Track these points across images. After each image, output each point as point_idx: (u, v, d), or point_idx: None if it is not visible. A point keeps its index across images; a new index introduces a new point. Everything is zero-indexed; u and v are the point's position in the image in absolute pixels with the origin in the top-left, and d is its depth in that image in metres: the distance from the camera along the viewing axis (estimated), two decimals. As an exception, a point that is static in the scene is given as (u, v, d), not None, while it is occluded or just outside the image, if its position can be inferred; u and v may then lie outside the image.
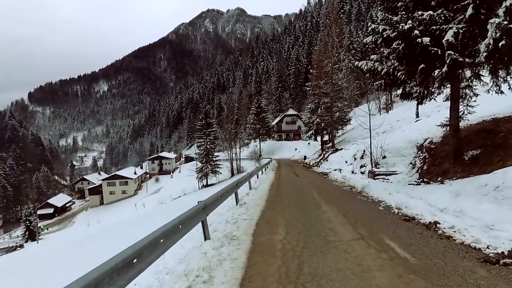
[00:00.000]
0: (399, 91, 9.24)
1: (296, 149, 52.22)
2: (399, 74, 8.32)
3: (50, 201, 66.85)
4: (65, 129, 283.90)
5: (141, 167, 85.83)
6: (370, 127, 13.12)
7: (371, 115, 14.34)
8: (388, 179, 10.44)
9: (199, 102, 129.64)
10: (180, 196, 41.12)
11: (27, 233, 41.22)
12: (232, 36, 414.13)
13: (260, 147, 57.07)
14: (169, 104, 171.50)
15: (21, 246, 36.49)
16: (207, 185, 43.15)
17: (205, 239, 5.53)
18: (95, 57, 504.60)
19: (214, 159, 44.12)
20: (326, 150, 29.65)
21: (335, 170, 17.23)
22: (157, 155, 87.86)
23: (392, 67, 8.52)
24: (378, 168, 11.95)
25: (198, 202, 5.56)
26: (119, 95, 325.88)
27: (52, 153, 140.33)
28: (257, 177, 17.04)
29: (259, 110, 62.26)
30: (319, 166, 22.82)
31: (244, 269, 4.10)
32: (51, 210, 64.00)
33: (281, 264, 4.15)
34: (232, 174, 43.52)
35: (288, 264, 4.15)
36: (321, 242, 4.96)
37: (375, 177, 11.12)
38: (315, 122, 31.61)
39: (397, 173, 10.62)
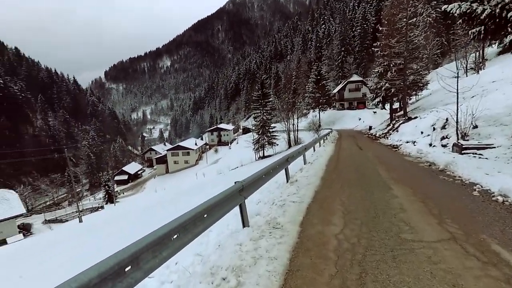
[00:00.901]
0: (507, 39, 6.79)
1: (360, 119, 48.68)
2: (510, 14, 6.02)
3: (125, 168, 74.59)
4: (135, 103, 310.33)
5: (201, 139, 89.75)
6: (457, 89, 10.51)
7: (455, 76, 11.58)
8: (481, 155, 8.27)
9: (256, 72, 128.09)
10: (237, 167, 41.71)
11: (106, 196, 46.67)
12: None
13: (319, 117, 54.40)
14: (227, 76, 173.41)
15: (102, 207, 41.51)
16: (263, 157, 43.00)
17: (243, 226, 4.67)
18: (159, 34, 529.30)
19: (270, 130, 43.44)
20: (396, 119, 26.29)
21: (407, 142, 14.90)
22: (215, 126, 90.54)
23: (499, 5, 6.22)
24: (467, 140, 9.64)
25: (235, 182, 4.65)
26: (181, 69, 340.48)
27: (125, 126, 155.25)
28: (314, 150, 15.54)
29: (319, 77, 58.28)
30: (387, 138, 20.29)
31: (284, 276, 3.12)
32: (125, 177, 71.52)
33: (335, 274, 3.06)
34: (289, 146, 42.46)
35: (344, 274, 3.05)
36: (392, 242, 3.69)
37: (463, 152, 8.96)
38: (383, 88, 27.92)
39: (494, 147, 8.31)
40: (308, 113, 62.78)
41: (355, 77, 65.07)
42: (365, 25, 76.10)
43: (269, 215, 5.15)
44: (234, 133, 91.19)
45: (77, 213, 36.44)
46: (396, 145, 15.34)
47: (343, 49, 75.88)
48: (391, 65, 26.27)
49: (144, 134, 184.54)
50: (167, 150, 70.80)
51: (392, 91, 27.26)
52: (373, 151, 14.34)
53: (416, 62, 26.10)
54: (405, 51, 24.14)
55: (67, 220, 35.75)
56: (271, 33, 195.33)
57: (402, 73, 25.35)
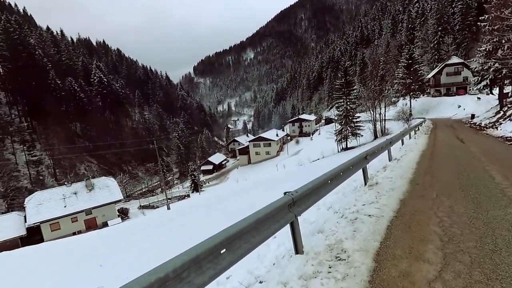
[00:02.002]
0: None
1: (459, 106, 41.74)
2: None
3: (210, 159, 79.88)
4: (221, 96, 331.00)
5: (283, 130, 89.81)
6: None
7: None
8: None
9: (340, 60, 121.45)
10: (318, 159, 40.69)
11: (192, 185, 50.59)
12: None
13: (410, 105, 48.47)
14: (309, 66, 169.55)
15: (188, 196, 45.14)
16: (346, 148, 40.84)
17: (296, 252, 3.53)
18: (243, 27, 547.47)
19: (354, 120, 40.63)
20: (509, 105, 20.97)
21: None
22: (297, 117, 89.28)
23: None
24: None
25: (284, 193, 3.59)
26: (264, 61, 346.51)
27: (211, 118, 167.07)
28: (402, 144, 13.14)
29: (410, 61, 51.48)
30: (496, 128, 16.22)
31: None
32: (210, 167, 76.50)
33: None
34: (375, 137, 39.42)
35: None
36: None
37: None
38: (491, 69, 22.74)
39: None
40: (398, 101, 56.61)
41: (454, 59, 56.06)
42: (468, 0, 64.22)
43: (334, 235, 3.97)
44: (316, 124, 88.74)
45: (166, 201, 40.56)
46: (510, 137, 11.79)
47: (440, 28, 66.22)
48: (503, 41, 21.00)
49: (229, 126, 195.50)
50: (249, 142, 72.81)
51: (503, 73, 21.96)
52: (479, 145, 11.61)
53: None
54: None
55: (158, 207, 39.89)
56: (357, 18, 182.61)
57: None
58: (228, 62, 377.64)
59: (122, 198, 38.86)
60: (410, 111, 45.76)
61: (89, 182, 35.47)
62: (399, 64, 56.19)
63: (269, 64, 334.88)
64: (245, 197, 18.98)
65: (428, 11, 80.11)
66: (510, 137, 12.07)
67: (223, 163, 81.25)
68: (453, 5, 68.78)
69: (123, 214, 37.27)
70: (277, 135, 72.35)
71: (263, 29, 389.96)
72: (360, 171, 6.50)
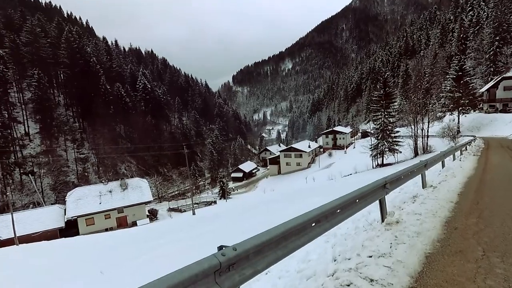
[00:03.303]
0: None
1: None
2: None
3: (241, 166, 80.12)
4: (257, 105, 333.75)
5: (316, 141, 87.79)
6: None
7: None
8: None
9: (381, 71, 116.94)
10: (350, 174, 39.03)
11: (220, 192, 50.84)
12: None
13: (458, 121, 44.69)
14: (348, 76, 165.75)
15: (215, 202, 45.38)
16: (382, 165, 38.62)
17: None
18: (282, 38, 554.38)
19: (392, 135, 38.28)
20: None
21: None
22: (331, 129, 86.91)
23: None
24: None
25: (219, 248, 2.35)
26: (302, 71, 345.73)
27: (246, 126, 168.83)
28: (442, 166, 11.25)
29: (460, 73, 47.47)
30: None
31: None
32: (240, 174, 76.61)
33: None
34: (415, 154, 36.82)
35: None
36: None
37: None
38: None
39: None
40: (444, 116, 52.52)
41: None
42: None
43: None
44: (351, 137, 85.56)
45: (194, 205, 41.15)
46: None
47: (497, 38, 59.94)
48: None
49: (263, 135, 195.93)
50: (280, 151, 71.95)
51: None
52: None
53: None
54: None
55: (185, 211, 40.54)
56: (402, 28, 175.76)
57: None
58: (266, 72, 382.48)
59: (152, 199, 40.05)
60: (458, 127, 42.29)
61: (123, 182, 37.12)
62: (447, 76, 52.31)
63: (307, 74, 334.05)
64: (260, 213, 18.38)
65: (484, 19, 74.16)
66: None
67: (253, 171, 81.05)
68: None
69: (152, 215, 38.30)
70: (309, 146, 70.69)
71: (303, 39, 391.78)
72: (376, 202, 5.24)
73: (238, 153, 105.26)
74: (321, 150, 78.66)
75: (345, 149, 70.68)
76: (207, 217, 25.43)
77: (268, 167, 76.29)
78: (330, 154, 70.01)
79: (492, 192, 7.09)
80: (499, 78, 51.31)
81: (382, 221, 5.17)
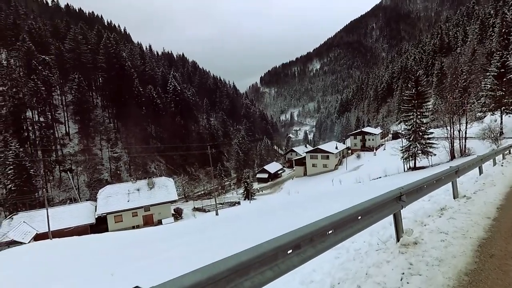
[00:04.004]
0: None
1: None
2: None
3: (266, 167, 79.62)
4: (285, 106, 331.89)
5: (344, 142, 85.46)
6: None
7: None
8: None
9: (416, 70, 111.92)
10: (380, 177, 37.68)
11: (245, 192, 50.80)
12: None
13: (501, 121, 41.40)
14: (378, 76, 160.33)
15: (238, 203, 45.37)
16: (414, 168, 36.77)
17: None
18: (310, 38, 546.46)
19: (425, 136, 36.38)
20: None
21: None
22: (359, 130, 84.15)
23: None
24: None
25: None
26: (330, 71, 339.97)
27: (272, 127, 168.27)
28: (480, 172, 9.98)
29: (503, 70, 44.13)
30: None
31: None
32: (265, 175, 76.11)
33: None
34: (452, 157, 34.43)
35: None
36: None
37: None
38: None
39: None
40: (484, 116, 48.95)
41: None
42: None
43: None
44: (381, 138, 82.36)
45: (219, 205, 41.44)
46: None
47: None
48: None
49: (290, 135, 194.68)
50: (306, 153, 70.71)
51: None
52: None
53: None
54: None
55: (209, 211, 40.80)
56: (437, 25, 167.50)
57: None
58: (293, 72, 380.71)
59: (177, 198, 40.84)
60: (501, 128, 39.13)
61: (150, 181, 38.18)
62: (488, 74, 48.86)
63: (335, 74, 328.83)
64: (278, 217, 17.90)
65: None
66: None
67: (278, 172, 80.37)
68: None
69: (178, 214, 39.01)
70: (336, 147, 68.86)
71: (331, 40, 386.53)
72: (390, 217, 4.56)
73: (264, 153, 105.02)
74: (349, 151, 76.46)
75: (374, 151, 68.08)
76: (227, 219, 25.54)
77: (293, 168, 75.31)
78: (358, 156, 67.79)
79: None
80: None
81: (398, 240, 4.48)
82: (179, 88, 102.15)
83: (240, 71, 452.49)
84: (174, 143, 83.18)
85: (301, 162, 70.07)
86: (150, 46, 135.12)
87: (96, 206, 34.51)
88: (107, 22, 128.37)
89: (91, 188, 54.20)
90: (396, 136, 67.18)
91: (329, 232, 3.14)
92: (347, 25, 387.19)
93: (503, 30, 73.95)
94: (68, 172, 55.35)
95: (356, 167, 56.48)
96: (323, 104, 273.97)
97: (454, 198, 6.96)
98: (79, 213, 33.50)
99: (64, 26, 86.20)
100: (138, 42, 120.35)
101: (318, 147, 71.89)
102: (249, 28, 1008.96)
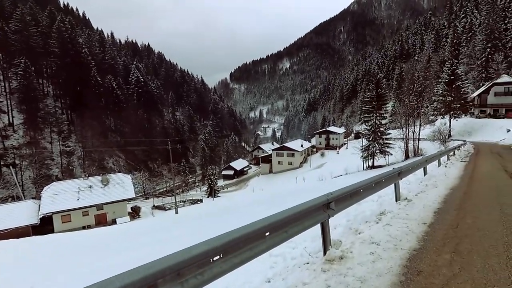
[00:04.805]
0: None
1: (509, 131, 37.55)
2: None
3: (232, 164, 78.72)
4: (254, 103, 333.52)
5: (309, 141, 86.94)
6: None
7: None
8: None
9: (377, 73, 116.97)
10: (341, 175, 38.56)
11: (208, 190, 49.61)
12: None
13: (450, 125, 44.55)
14: (344, 78, 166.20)
15: (201, 201, 44.08)
16: (372, 167, 38.15)
17: None
18: (281, 37, 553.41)
19: (383, 137, 37.94)
20: None
21: None
22: (324, 129, 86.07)
23: None
24: None
25: None
26: (299, 71, 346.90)
27: (241, 123, 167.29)
28: (425, 173, 10.14)
29: (452, 77, 47.84)
30: None
31: None
32: (231, 172, 75.19)
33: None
34: (407, 157, 36.24)
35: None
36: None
37: None
38: None
39: None
40: (436, 119, 52.62)
41: (505, 78, 50.98)
42: None
43: None
44: (344, 137, 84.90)
45: (180, 203, 40.03)
46: None
47: (489, 45, 61.31)
48: None
49: (259, 133, 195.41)
50: (272, 150, 70.84)
51: None
52: None
53: None
54: None
55: (169, 209, 39.09)
56: (398, 32, 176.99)
57: None
58: (264, 70, 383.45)
59: (134, 196, 38.62)
60: (449, 131, 41.97)
61: (104, 177, 35.52)
62: (440, 80, 52.79)
63: (304, 74, 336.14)
64: (237, 217, 17.31)
65: (476, 26, 75.22)
66: None
67: (244, 169, 79.84)
68: (506, 21, 64.13)
69: (135, 212, 36.78)
70: (302, 145, 69.69)
71: (301, 40, 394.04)
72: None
73: (231, 150, 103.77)
74: (314, 149, 77.80)
75: (337, 150, 69.93)
76: (186, 218, 24.48)
77: (260, 165, 75.20)
78: (322, 154, 69.21)
79: (476, 210, 5.82)
80: (490, 84, 51.93)
81: (324, 253, 3.88)
82: (142, 79, 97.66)
83: (209, 66, 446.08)
84: (136, 138, 79.24)
85: (267, 159, 70.12)
86: (112, 34, 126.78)
87: (39, 205, 31.45)
88: (63, 4, 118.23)
89: (37, 185, 49.42)
90: (358, 136, 69.56)
91: (215, 258, 2.43)
92: (316, 27, 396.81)
93: (454, 41, 79.94)
94: (11, 167, 50.07)
95: (320, 165, 57.52)
96: (292, 103, 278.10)
97: (396, 200, 6.66)
98: (20, 213, 30.18)
99: (9, 5, 77.15)
100: (98, 29, 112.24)
101: (284, 144, 72.38)
102: (220, 24, 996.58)
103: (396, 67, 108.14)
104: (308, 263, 3.93)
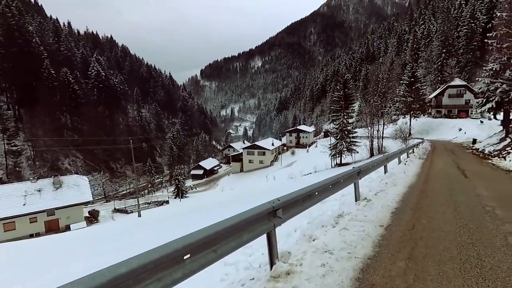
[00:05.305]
0: None
1: (460, 129, 40.51)
2: None
3: (201, 163, 76.79)
4: (225, 101, 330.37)
5: (280, 139, 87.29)
6: None
7: None
8: None
9: (344, 74, 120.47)
10: (310, 173, 38.72)
11: (176, 190, 47.72)
12: (389, 1, 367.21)
13: (410, 124, 46.77)
14: (314, 78, 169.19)
15: (167, 202, 42.14)
16: (340, 164, 38.87)
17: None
18: (253, 36, 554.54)
19: (350, 135, 39.00)
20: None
21: None
22: (295, 128, 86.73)
23: None
24: None
25: None
26: (271, 70, 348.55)
27: (212, 122, 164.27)
28: (385, 171, 9.93)
29: (412, 79, 50.73)
30: (503, 158, 13.55)
31: None
32: (201, 172, 73.33)
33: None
34: (371, 154, 37.76)
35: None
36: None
37: None
38: (498, 90, 20.52)
39: None
40: (398, 119, 55.19)
41: (457, 81, 55.55)
42: (473, 25, 65.04)
43: None
44: (314, 136, 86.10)
45: (144, 205, 37.80)
46: None
47: (444, 50, 66.38)
48: None
49: (230, 131, 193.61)
50: (243, 149, 70.01)
51: (511, 96, 19.61)
52: (488, 184, 8.25)
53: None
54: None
55: (131, 212, 36.75)
56: (365, 35, 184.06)
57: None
58: (235, 68, 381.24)
59: (92, 199, 35.79)
60: (410, 130, 43.92)
61: (57, 179, 32.15)
62: (401, 82, 55.83)
63: (276, 73, 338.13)
64: (201, 219, 16.43)
65: (433, 32, 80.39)
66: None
67: (215, 168, 78.41)
68: (458, 29, 69.12)
69: (93, 217, 33.96)
70: (272, 144, 69.69)
71: (273, 39, 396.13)
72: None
73: (201, 149, 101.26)
74: (285, 148, 78.12)
75: (307, 148, 70.66)
76: (149, 221, 23.14)
77: (230, 164, 74.17)
78: (293, 153, 69.58)
79: (431, 209, 5.66)
80: (444, 87, 56.20)
81: (270, 268, 3.31)
82: (103, 73, 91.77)
83: (178, 62, 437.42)
84: (96, 136, 73.79)
85: (238, 158, 69.26)
86: (69, 23, 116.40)
87: (-23, 212, 27.92)
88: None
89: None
90: (326, 134, 70.86)
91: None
92: (288, 27, 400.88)
93: (414, 46, 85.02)
94: None
95: (290, 163, 57.73)
96: (263, 101, 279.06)
97: (356, 200, 6.25)
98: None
99: None
100: (51, 16, 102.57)
101: (255, 143, 71.90)
102: (192, 20, 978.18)
103: (363, 68, 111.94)
104: (253, 278, 3.37)
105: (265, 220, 3.26)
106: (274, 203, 3.36)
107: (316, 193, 4.44)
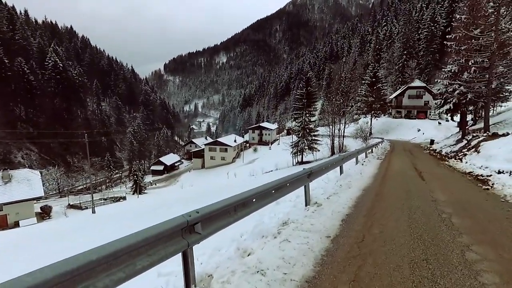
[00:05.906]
0: None
1: (419, 130, 42.43)
2: None
3: (162, 159, 74.65)
4: (189, 96, 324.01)
5: (243, 136, 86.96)
6: None
7: None
8: None
9: (308, 72, 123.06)
10: (271, 171, 38.29)
11: (134, 186, 45.68)
12: (353, 2, 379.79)
13: (371, 123, 48.25)
14: (278, 75, 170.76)
15: (124, 198, 40.24)
16: (301, 162, 38.99)
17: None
18: (218, 31, 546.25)
19: (312, 133, 39.28)
20: (473, 134, 19.56)
21: (500, 172, 8.99)
22: (258, 125, 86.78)
23: None
24: None
25: None
26: (236, 66, 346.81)
27: (174, 117, 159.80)
28: (341, 172, 9.87)
29: (374, 79, 52.14)
30: (460, 160, 14.09)
31: None
32: (161, 167, 71.33)
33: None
34: (332, 153, 38.04)
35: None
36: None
37: None
38: (456, 92, 21.45)
39: None
40: (359, 118, 56.86)
41: (417, 83, 57.95)
42: (433, 28, 68.83)
43: None
44: (277, 133, 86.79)
45: (100, 201, 36.49)
46: (482, 175, 9.34)
47: (405, 52, 69.17)
48: (470, 63, 19.57)
49: (193, 127, 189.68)
50: (205, 145, 68.92)
51: (468, 98, 20.68)
52: (445, 188, 8.06)
53: (506, 63, 19.06)
54: (494, 44, 17.47)
55: (86, 208, 34.73)
56: (329, 35, 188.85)
57: (486, 73, 18.86)
58: (200, 63, 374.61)
59: (43, 194, 33.32)
60: (370, 129, 45.44)
61: (5, 174, 29.36)
62: (363, 82, 57.06)
63: (241, 69, 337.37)
64: (151, 219, 15.60)
65: (395, 34, 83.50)
66: (481, 176, 9.50)
67: (175, 164, 76.44)
68: (419, 32, 72.43)
69: (45, 213, 31.53)
70: (235, 141, 69.22)
71: (238, 35, 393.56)
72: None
73: (162, 144, 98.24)
74: (247, 145, 77.94)
75: (270, 145, 71.01)
76: (102, 218, 21.75)
77: (192, 160, 72.57)
78: (255, 150, 69.61)
79: (385, 216, 5.37)
80: (405, 88, 57.96)
81: None
82: (61, 64, 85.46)
83: (140, 55, 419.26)
84: (52, 129, 69.99)
85: (200, 154, 67.96)
86: (26, 11, 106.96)
87: None
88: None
89: None
90: (289, 132, 71.68)
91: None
92: (254, 23, 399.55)
93: (377, 47, 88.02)
94: None
95: (252, 160, 57.67)
96: (228, 98, 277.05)
97: (306, 205, 5.95)
98: None
99: None
100: (7, 3, 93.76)
101: (218, 139, 71.07)
102: (157, 11, 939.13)
103: (326, 67, 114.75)
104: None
105: (178, 237, 2.70)
106: (191, 216, 2.80)
107: (254, 200, 3.99)
